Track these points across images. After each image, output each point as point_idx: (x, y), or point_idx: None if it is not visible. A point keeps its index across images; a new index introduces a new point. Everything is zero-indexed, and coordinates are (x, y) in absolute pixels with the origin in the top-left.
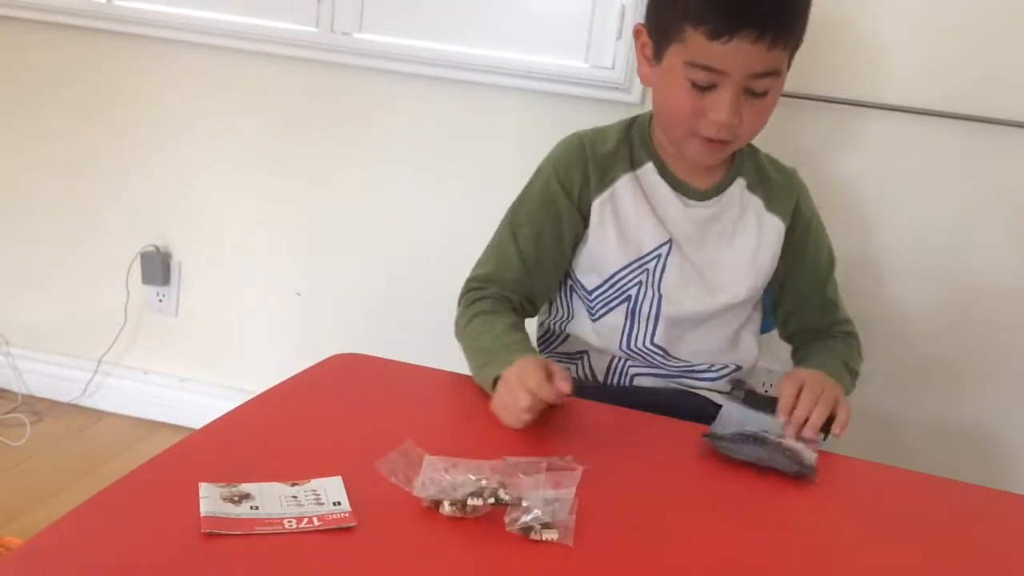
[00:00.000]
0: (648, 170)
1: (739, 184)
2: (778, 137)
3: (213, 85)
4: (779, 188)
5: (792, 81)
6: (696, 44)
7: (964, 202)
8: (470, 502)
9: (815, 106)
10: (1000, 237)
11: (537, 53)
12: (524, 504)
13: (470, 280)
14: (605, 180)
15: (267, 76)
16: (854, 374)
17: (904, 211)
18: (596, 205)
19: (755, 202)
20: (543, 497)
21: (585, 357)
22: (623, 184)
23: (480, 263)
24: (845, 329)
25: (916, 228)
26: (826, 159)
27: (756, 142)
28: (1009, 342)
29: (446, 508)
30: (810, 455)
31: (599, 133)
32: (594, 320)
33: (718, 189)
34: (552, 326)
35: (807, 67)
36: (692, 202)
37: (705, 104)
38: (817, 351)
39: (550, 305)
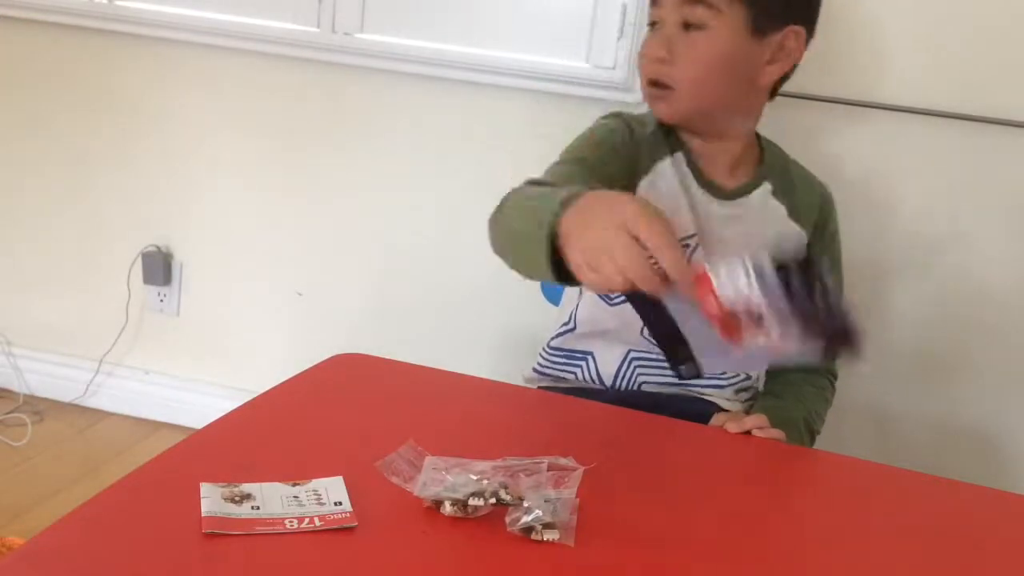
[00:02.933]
0: (680, 159)
1: (765, 188)
2: (778, 138)
3: (214, 85)
4: (804, 197)
5: (791, 80)
6: None
7: (964, 202)
8: (471, 502)
9: (815, 106)
10: (1000, 237)
11: (538, 53)
12: (525, 504)
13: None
14: (650, 160)
15: (268, 76)
16: (813, 436)
17: (904, 211)
18: (643, 185)
19: (779, 210)
20: (544, 497)
21: (590, 359)
22: (664, 167)
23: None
24: (831, 370)
25: (916, 228)
26: (827, 159)
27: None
28: (1009, 342)
29: (447, 508)
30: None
31: (638, 118)
32: (612, 304)
33: (743, 191)
34: (561, 314)
35: (806, 66)
36: (715, 199)
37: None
38: (789, 391)
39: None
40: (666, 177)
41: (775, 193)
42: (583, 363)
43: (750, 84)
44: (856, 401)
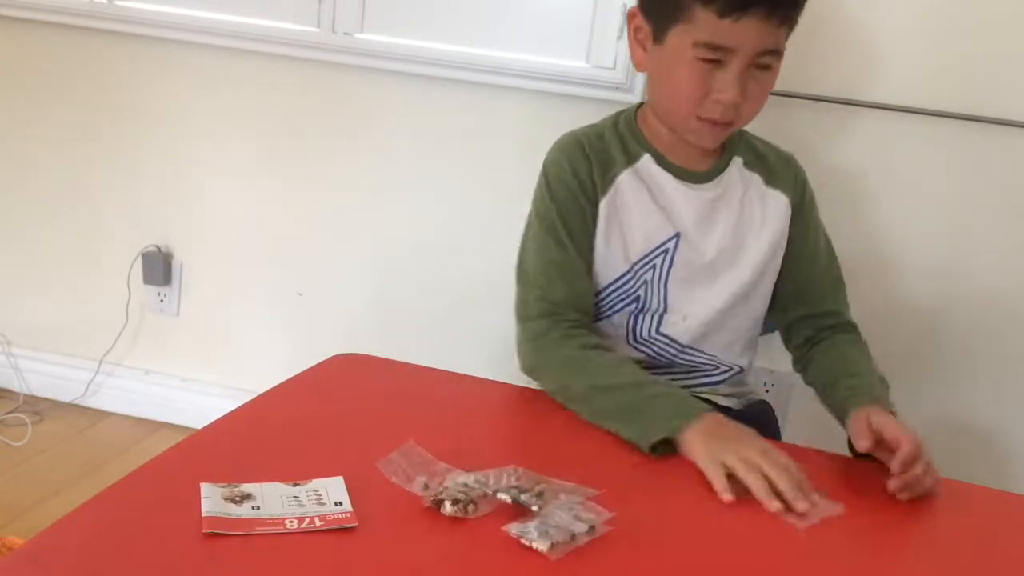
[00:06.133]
0: (646, 162)
1: (736, 163)
2: (774, 135)
3: (214, 85)
4: (776, 164)
5: (787, 80)
6: (705, 23)
7: (961, 202)
8: (471, 503)
9: (812, 105)
10: (997, 236)
11: (538, 53)
12: (533, 509)
13: (549, 304)
14: (607, 179)
15: (268, 76)
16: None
17: (900, 211)
18: (603, 206)
19: (755, 179)
20: (550, 505)
21: None
22: (624, 181)
23: (538, 280)
24: (854, 327)
25: (913, 228)
26: (823, 158)
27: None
28: (1008, 342)
29: (447, 508)
30: None
31: (591, 132)
32: (599, 319)
33: (717, 170)
34: None
35: (804, 66)
36: (696, 185)
37: (711, 84)
38: (855, 370)
39: None
40: (629, 189)
41: (747, 164)
42: None
43: None
44: None
